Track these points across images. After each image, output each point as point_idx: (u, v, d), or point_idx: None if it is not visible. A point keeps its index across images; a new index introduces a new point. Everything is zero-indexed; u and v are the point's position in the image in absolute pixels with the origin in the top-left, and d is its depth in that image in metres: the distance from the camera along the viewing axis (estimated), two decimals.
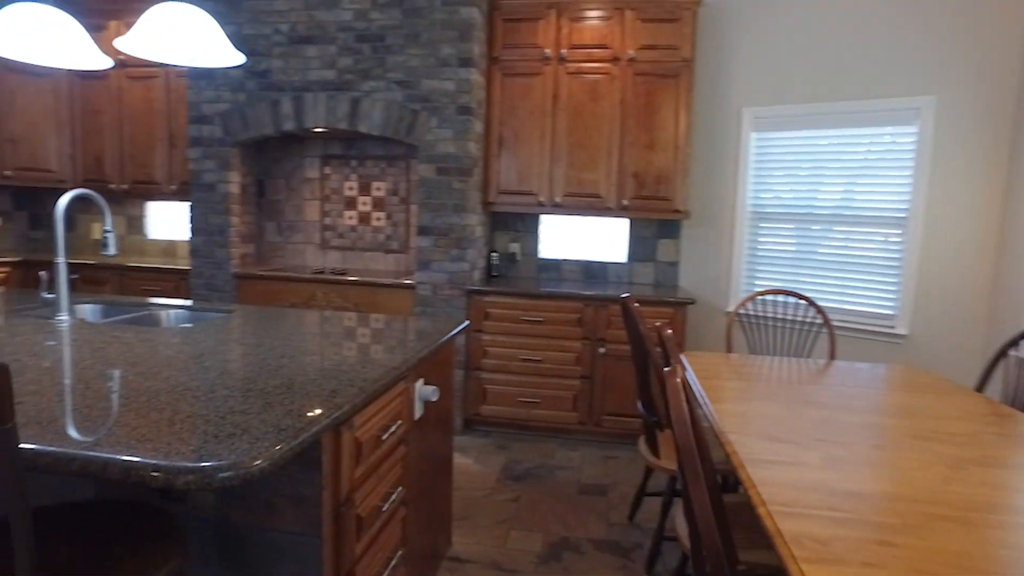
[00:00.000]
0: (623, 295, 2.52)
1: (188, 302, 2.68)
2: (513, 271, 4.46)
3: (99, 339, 1.87)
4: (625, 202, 3.96)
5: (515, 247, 4.45)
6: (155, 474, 0.98)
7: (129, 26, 4.43)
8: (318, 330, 2.14)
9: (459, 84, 3.71)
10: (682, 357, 2.52)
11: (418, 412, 1.97)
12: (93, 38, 4.52)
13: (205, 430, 1.14)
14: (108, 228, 2.36)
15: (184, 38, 1.78)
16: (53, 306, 2.18)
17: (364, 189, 4.44)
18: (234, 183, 4.09)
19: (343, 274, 4.01)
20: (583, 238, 4.39)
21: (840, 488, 1.32)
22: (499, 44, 4.00)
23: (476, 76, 3.76)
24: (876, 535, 1.13)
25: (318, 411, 1.27)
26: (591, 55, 3.92)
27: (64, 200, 2.20)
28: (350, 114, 3.83)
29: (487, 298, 3.83)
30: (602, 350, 3.75)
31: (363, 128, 3.82)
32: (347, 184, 4.45)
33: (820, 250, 3.89)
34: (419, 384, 1.97)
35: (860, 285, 3.77)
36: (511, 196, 4.09)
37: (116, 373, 1.49)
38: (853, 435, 1.66)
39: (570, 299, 3.76)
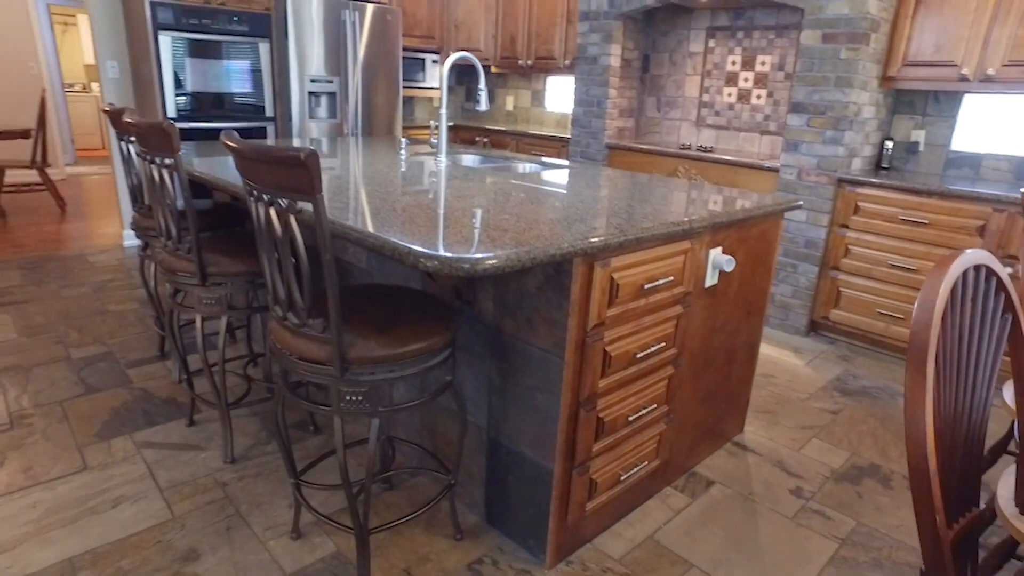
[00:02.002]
0: None
1: (543, 160, 3.01)
2: (911, 164, 3.70)
3: (454, 172, 2.28)
4: None
5: (918, 135, 3.66)
6: (407, 253, 1.23)
7: None
8: (638, 188, 2.20)
9: None
10: None
11: (709, 280, 1.92)
12: None
13: (463, 237, 1.35)
14: (481, 87, 2.76)
15: None
16: (438, 148, 2.73)
17: (747, 64, 4.13)
18: (615, 56, 4.25)
19: (708, 151, 3.91)
20: (1022, 126, 3.34)
21: None
22: None
23: None
24: None
25: (564, 243, 1.37)
26: None
27: (447, 64, 2.64)
28: None
29: (859, 189, 3.31)
30: (1008, 270, 2.93)
31: None
32: (730, 58, 4.21)
33: None
34: (715, 251, 1.90)
35: None
36: (922, 68, 3.33)
37: (442, 193, 1.83)
38: None
39: (971, 200, 2.99)
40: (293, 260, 1.36)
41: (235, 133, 1.40)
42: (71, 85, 9.64)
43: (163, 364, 2.85)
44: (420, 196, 1.81)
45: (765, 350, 3.40)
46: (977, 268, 1.04)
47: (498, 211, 1.65)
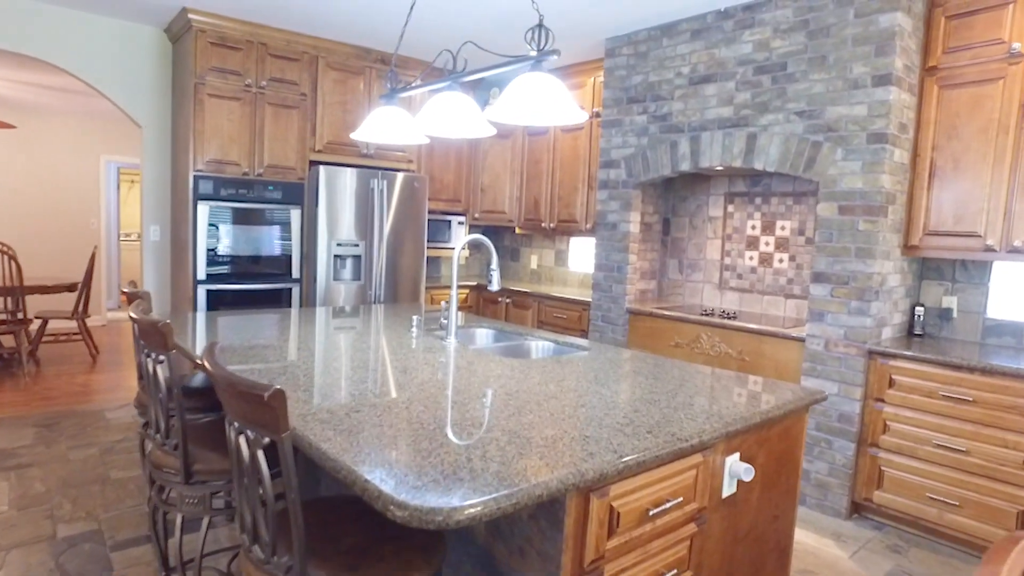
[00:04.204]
0: None
1: (558, 337, 2.95)
2: (946, 331, 3.55)
3: (459, 360, 2.22)
4: None
5: (950, 301, 3.53)
6: (377, 496, 1.11)
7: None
8: (648, 381, 2.10)
9: (872, 107, 3.16)
10: None
11: (727, 490, 1.75)
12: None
13: (441, 469, 1.24)
14: (493, 267, 2.77)
15: (535, 103, 1.98)
16: (447, 329, 2.69)
17: (767, 228, 4.16)
18: (634, 222, 4.33)
19: (732, 318, 3.83)
20: None
21: None
22: (938, 50, 3.26)
23: (897, 95, 3.14)
24: None
25: (544, 476, 1.24)
26: None
27: (457, 249, 2.68)
28: (745, 151, 3.64)
29: (893, 362, 3.14)
30: None
31: (758, 165, 3.59)
32: (750, 223, 4.24)
33: None
34: (732, 459, 1.74)
35: None
36: (944, 238, 3.27)
37: (439, 393, 1.75)
38: None
39: (1016, 377, 2.79)
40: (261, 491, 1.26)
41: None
42: (128, 234, 10.26)
43: (151, 547, 2.70)
44: (412, 401, 1.73)
45: (802, 537, 3.08)
46: None
47: (491, 424, 1.55)
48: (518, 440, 1.43)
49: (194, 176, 4.24)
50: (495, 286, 2.79)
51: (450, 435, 1.44)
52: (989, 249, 3.14)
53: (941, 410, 2.99)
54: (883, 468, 3.19)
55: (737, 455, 1.76)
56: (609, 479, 1.34)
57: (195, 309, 4.32)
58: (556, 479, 1.23)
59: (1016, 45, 3.04)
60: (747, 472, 1.74)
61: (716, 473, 1.69)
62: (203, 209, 4.29)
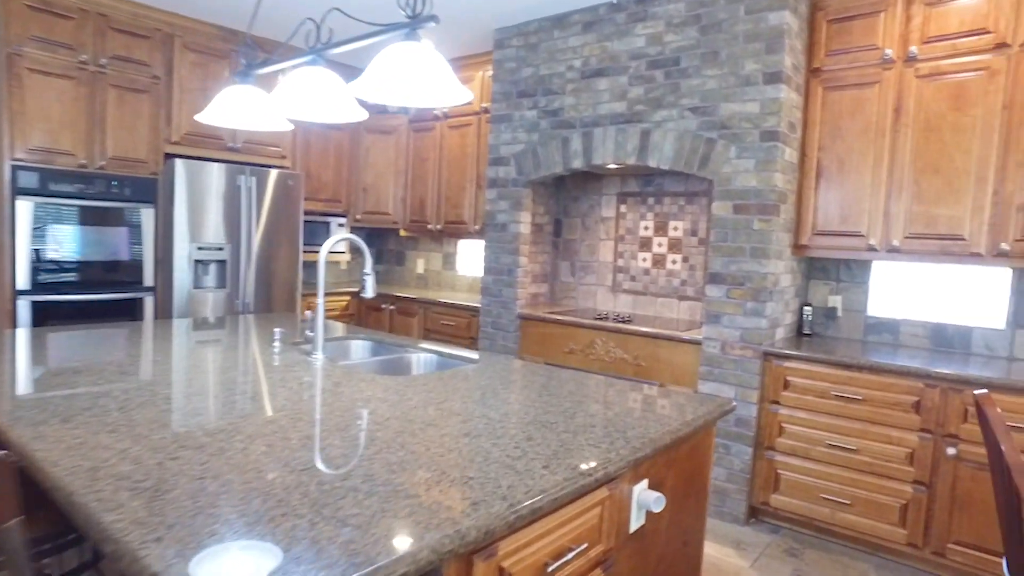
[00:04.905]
0: (979, 391, 1.68)
1: (443, 348, 2.66)
2: (832, 330, 3.59)
3: (325, 381, 1.87)
4: (1005, 246, 2.84)
5: (835, 300, 3.58)
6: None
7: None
8: (543, 398, 1.85)
9: (764, 104, 3.11)
10: None
11: (635, 523, 1.52)
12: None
13: (273, 539, 0.92)
14: (367, 271, 2.44)
15: (407, 79, 1.68)
16: (314, 343, 2.32)
17: (660, 229, 4.07)
18: (524, 223, 4.11)
19: (626, 321, 3.69)
20: (933, 292, 3.30)
21: None
22: (821, 52, 3.27)
23: (787, 94, 3.11)
24: None
25: (411, 545, 0.95)
26: (958, 47, 2.94)
27: (327, 245, 2.33)
28: (639, 148, 3.52)
29: (788, 363, 3.10)
30: (952, 451, 2.70)
31: (652, 162, 3.47)
32: (643, 223, 4.14)
33: None
34: (640, 488, 1.52)
35: None
36: (831, 238, 3.29)
37: (293, 425, 1.41)
38: None
39: (903, 375, 2.81)
40: None
41: None
42: None
43: None
44: (254, 439, 1.38)
45: (705, 548, 2.97)
46: None
47: (351, 468, 1.23)
48: (383, 489, 1.12)
49: (11, 166, 3.57)
50: (369, 292, 2.46)
51: (292, 490, 1.11)
52: (871, 249, 3.17)
53: (833, 410, 2.98)
54: (779, 471, 3.14)
55: (646, 482, 1.55)
56: (498, 535, 1.06)
57: (14, 326, 3.64)
58: (428, 547, 0.93)
59: (889, 51, 3.09)
60: (657, 502, 1.52)
61: (623, 506, 1.46)
62: (24, 206, 3.62)
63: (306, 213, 5.07)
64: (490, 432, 1.49)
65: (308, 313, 2.49)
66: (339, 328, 3.01)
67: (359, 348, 2.85)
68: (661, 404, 1.83)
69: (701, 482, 1.88)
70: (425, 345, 2.67)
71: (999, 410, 1.58)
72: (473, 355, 2.49)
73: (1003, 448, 1.48)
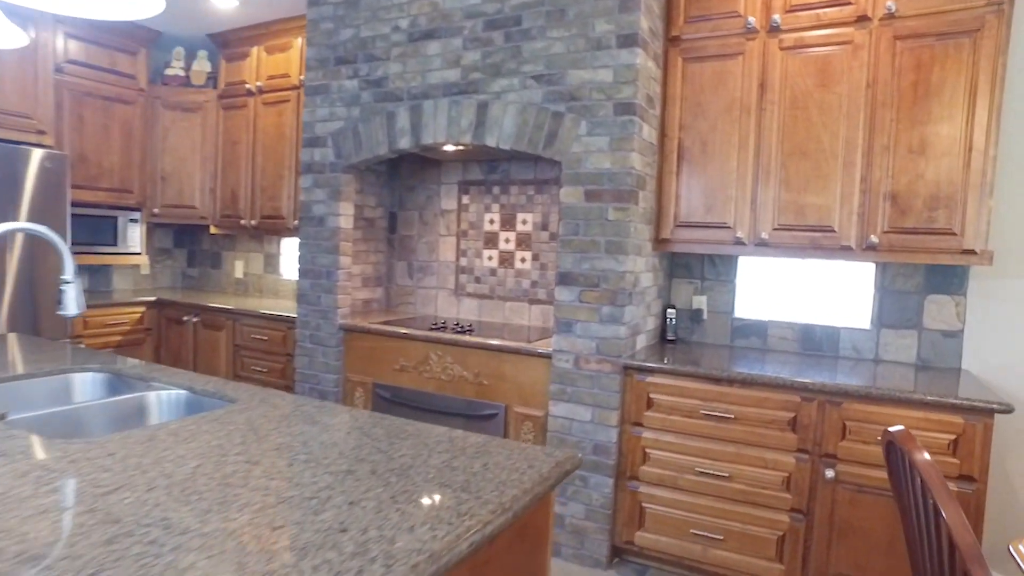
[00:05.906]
0: (892, 428, 1.22)
1: (197, 381, 1.91)
2: (698, 334, 3.20)
3: None
4: (874, 238, 2.55)
5: (700, 301, 3.19)
6: None
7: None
8: (316, 476, 1.18)
9: (618, 72, 2.64)
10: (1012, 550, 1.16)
11: None
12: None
13: None
14: (67, 278, 1.65)
15: None
16: None
17: (507, 223, 3.52)
18: (345, 215, 3.40)
19: (467, 331, 3.09)
20: (802, 290, 3.00)
21: None
22: (680, 18, 2.87)
23: (644, 60, 2.66)
24: None
25: None
26: (820, 17, 2.62)
27: None
28: (476, 123, 2.94)
29: (651, 378, 2.64)
30: (830, 473, 2.34)
31: (491, 141, 2.90)
32: (487, 216, 3.57)
33: None
34: None
35: None
36: (695, 230, 2.88)
37: None
38: None
39: (778, 387, 2.43)
40: None
41: None
42: None
43: None
44: None
45: None
46: None
47: None
48: None
49: None
50: (70, 309, 1.67)
51: None
52: (739, 242, 2.80)
53: (703, 431, 2.55)
54: (644, 504, 2.67)
55: None
56: None
57: None
58: None
59: (751, 19, 2.74)
60: None
61: None
62: None
63: (86, 205, 4.03)
64: (232, 568, 0.80)
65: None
66: (67, 356, 2.15)
67: (88, 385, 2.03)
68: (466, 481, 1.23)
69: (539, 562, 1.30)
70: (179, 378, 1.90)
71: (926, 455, 1.12)
72: (232, 392, 1.76)
73: (946, 516, 1.01)
